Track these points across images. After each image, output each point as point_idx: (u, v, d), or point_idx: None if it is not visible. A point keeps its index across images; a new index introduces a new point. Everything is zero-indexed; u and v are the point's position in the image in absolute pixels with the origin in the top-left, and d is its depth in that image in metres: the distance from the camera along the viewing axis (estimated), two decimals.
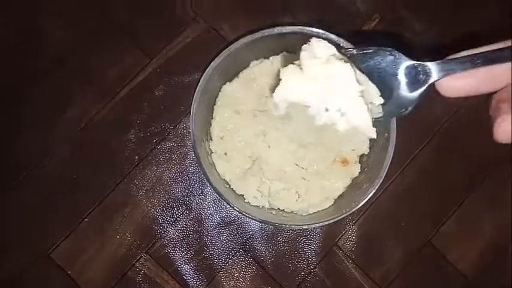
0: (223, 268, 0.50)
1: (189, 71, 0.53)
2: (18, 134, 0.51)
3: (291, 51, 0.45)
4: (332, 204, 0.45)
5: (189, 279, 0.49)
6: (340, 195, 0.45)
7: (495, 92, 0.23)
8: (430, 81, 0.26)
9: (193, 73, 0.53)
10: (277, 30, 0.41)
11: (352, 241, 0.51)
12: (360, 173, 0.45)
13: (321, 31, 0.39)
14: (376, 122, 0.30)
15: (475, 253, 0.52)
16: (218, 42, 0.53)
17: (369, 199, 0.41)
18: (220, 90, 0.45)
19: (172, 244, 0.50)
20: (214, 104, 0.45)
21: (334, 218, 0.41)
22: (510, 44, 0.22)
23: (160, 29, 0.53)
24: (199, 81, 0.40)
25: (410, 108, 0.28)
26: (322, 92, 0.28)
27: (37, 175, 0.50)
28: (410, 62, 0.27)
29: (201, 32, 0.53)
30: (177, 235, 0.50)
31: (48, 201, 0.50)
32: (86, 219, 0.50)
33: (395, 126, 0.40)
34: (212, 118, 0.45)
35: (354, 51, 0.29)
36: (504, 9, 0.54)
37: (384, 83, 0.28)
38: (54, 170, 0.51)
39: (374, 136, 0.29)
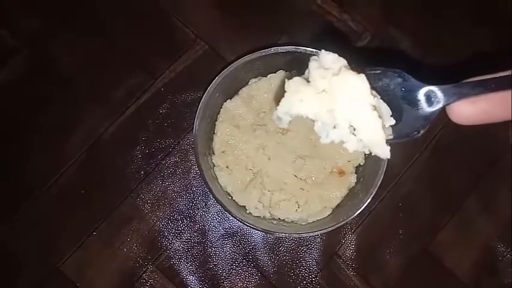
0: (227, 278, 0.51)
1: (191, 89, 0.55)
2: (28, 152, 0.53)
3: (287, 69, 0.47)
4: (330, 214, 0.47)
5: None
6: (338, 204, 0.47)
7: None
8: (441, 105, 0.25)
9: (195, 91, 0.55)
10: (273, 50, 0.43)
11: (352, 250, 0.52)
12: (356, 183, 0.47)
13: (314, 50, 0.42)
14: None
15: (472, 259, 0.53)
16: (218, 62, 0.55)
17: (365, 208, 0.42)
18: (221, 107, 0.48)
19: (178, 256, 0.52)
20: (216, 120, 0.48)
21: (332, 226, 0.43)
22: None
23: (164, 50, 0.56)
24: (201, 98, 0.43)
25: (422, 131, 0.26)
26: (331, 105, 0.25)
27: (47, 191, 0.52)
28: (420, 85, 0.26)
29: (201, 53, 0.56)
30: (182, 247, 0.52)
31: (57, 215, 0.52)
32: (94, 233, 0.52)
33: None
34: (214, 133, 0.47)
35: (365, 70, 0.27)
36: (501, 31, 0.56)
37: (392, 105, 0.26)
38: (63, 185, 0.53)
39: (388, 157, 0.26)
